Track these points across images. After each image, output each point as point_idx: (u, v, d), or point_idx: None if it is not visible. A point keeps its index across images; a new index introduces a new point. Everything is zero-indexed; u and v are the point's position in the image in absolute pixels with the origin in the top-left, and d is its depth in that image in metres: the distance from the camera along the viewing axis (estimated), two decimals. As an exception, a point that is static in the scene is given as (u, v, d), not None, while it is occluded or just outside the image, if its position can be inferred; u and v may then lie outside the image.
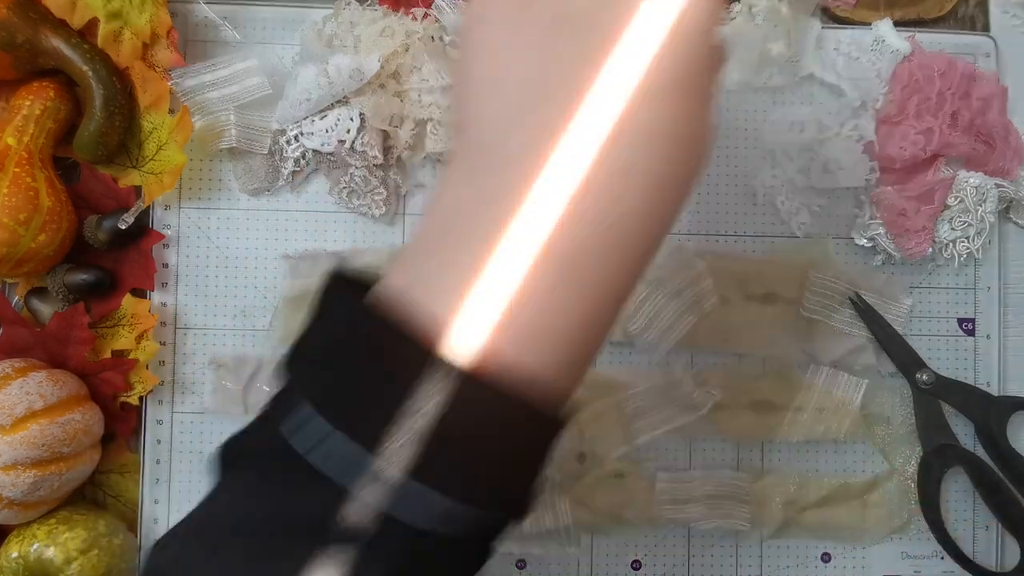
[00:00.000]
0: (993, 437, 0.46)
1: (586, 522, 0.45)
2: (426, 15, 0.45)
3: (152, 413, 0.45)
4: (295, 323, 0.45)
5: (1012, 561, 0.47)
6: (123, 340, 0.44)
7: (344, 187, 0.45)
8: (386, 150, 0.45)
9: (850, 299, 0.46)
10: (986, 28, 0.49)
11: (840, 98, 0.47)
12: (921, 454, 0.47)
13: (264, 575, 0.20)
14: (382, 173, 0.45)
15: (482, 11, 0.23)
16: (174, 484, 0.45)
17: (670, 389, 0.45)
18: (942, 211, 0.47)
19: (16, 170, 0.40)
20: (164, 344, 0.45)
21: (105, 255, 0.44)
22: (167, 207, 0.45)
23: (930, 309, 0.48)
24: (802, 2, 0.46)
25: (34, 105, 0.42)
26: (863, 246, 0.47)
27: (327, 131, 0.44)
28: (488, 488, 0.22)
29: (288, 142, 0.45)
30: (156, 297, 0.45)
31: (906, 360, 0.46)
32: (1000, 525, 0.47)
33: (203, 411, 0.45)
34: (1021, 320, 0.48)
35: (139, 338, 0.44)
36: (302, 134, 0.44)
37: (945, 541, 0.45)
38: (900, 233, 0.46)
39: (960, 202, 0.46)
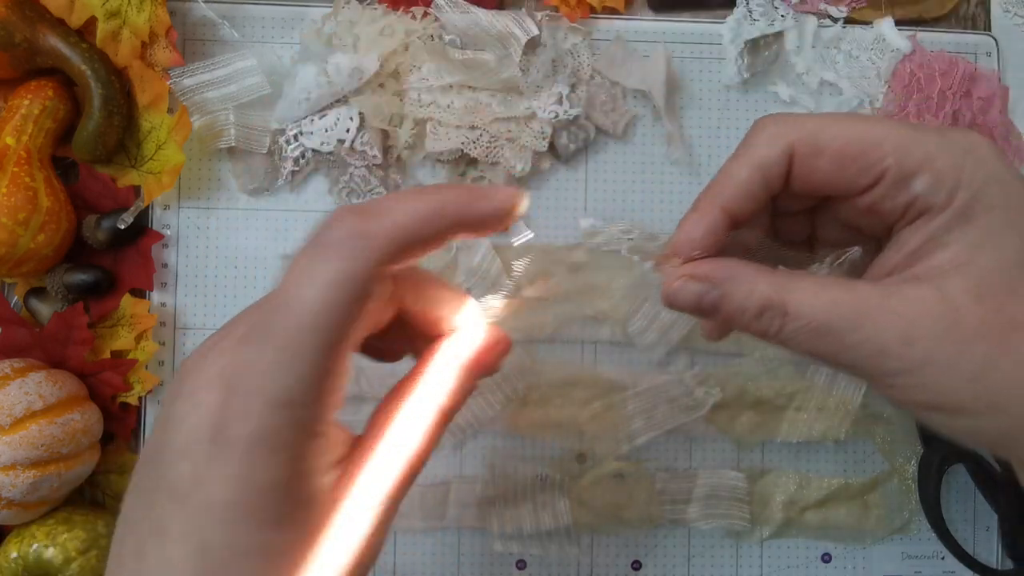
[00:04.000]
0: (993, 437, 0.46)
1: (586, 522, 0.45)
2: (425, 14, 0.45)
3: (151, 413, 0.45)
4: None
5: (1012, 560, 0.47)
6: (122, 340, 0.44)
7: (343, 187, 0.45)
8: (386, 149, 0.45)
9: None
10: (987, 27, 0.49)
11: (839, 96, 0.47)
12: (921, 453, 0.47)
13: None
14: (382, 173, 0.45)
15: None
16: (174, 484, 0.45)
17: (670, 389, 0.45)
18: (943, 210, 0.47)
19: (15, 170, 0.40)
20: (163, 344, 0.45)
21: (104, 255, 0.44)
22: (166, 207, 0.45)
23: (930, 309, 0.48)
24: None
25: (33, 104, 0.41)
26: (863, 246, 0.47)
27: (326, 130, 0.44)
28: None
29: (287, 141, 0.45)
30: (155, 297, 0.45)
31: (906, 360, 0.46)
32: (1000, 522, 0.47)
33: (203, 411, 0.45)
34: (1021, 320, 0.48)
35: (138, 338, 0.44)
36: (301, 133, 0.44)
37: (946, 539, 0.45)
38: (901, 233, 0.46)
39: (961, 201, 0.46)
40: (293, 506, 0.21)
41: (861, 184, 0.22)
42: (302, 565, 0.21)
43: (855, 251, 0.23)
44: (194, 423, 0.20)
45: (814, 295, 0.22)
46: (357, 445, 0.23)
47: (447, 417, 0.24)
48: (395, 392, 0.25)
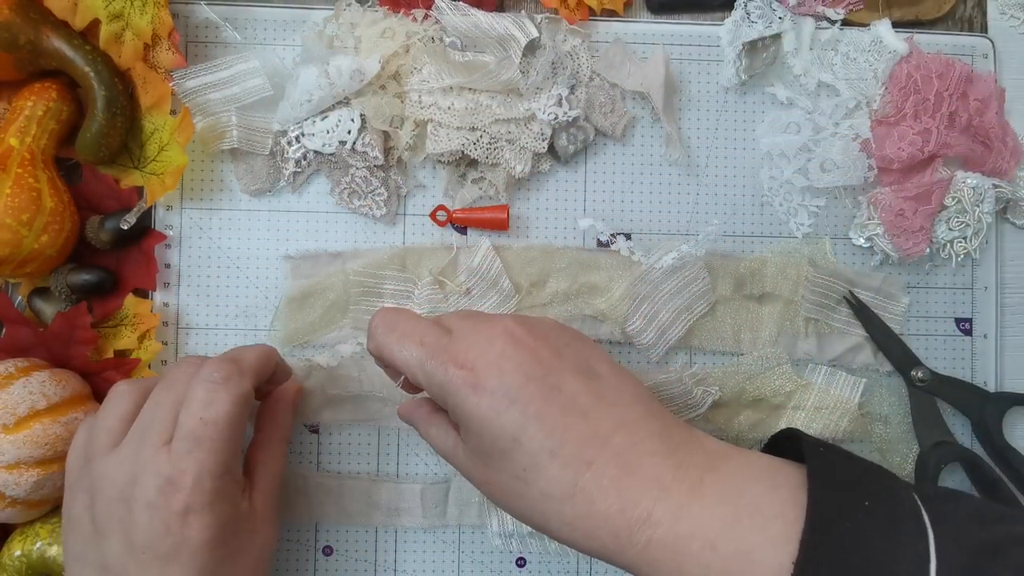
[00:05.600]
0: (989, 433, 0.46)
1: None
2: (426, 16, 0.45)
3: (154, 412, 0.45)
4: (296, 323, 0.45)
5: (1008, 559, 0.47)
6: (125, 340, 0.44)
7: (345, 188, 0.45)
8: (387, 151, 0.45)
9: (845, 298, 0.47)
10: (984, 29, 0.49)
11: (836, 98, 0.47)
12: (918, 452, 0.47)
13: None
14: (383, 174, 0.46)
15: None
16: (176, 483, 0.45)
17: (669, 388, 0.45)
18: (939, 211, 0.47)
19: (19, 171, 0.40)
20: (166, 344, 0.45)
21: (107, 255, 0.45)
22: (169, 207, 0.46)
23: (927, 309, 0.48)
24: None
25: (36, 106, 0.42)
26: (861, 246, 0.48)
27: (328, 132, 0.44)
28: None
29: (289, 143, 0.45)
30: (158, 297, 0.45)
31: (901, 357, 0.47)
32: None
33: (205, 410, 0.45)
34: (1018, 320, 0.49)
35: (141, 338, 0.44)
36: (303, 135, 0.45)
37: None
38: (898, 233, 0.46)
39: (957, 202, 0.46)
40: (238, 522, 0.37)
41: None
42: (255, 553, 0.38)
43: None
44: (163, 508, 0.34)
45: (435, 434, 0.37)
46: (247, 477, 0.39)
47: (287, 436, 0.43)
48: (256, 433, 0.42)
